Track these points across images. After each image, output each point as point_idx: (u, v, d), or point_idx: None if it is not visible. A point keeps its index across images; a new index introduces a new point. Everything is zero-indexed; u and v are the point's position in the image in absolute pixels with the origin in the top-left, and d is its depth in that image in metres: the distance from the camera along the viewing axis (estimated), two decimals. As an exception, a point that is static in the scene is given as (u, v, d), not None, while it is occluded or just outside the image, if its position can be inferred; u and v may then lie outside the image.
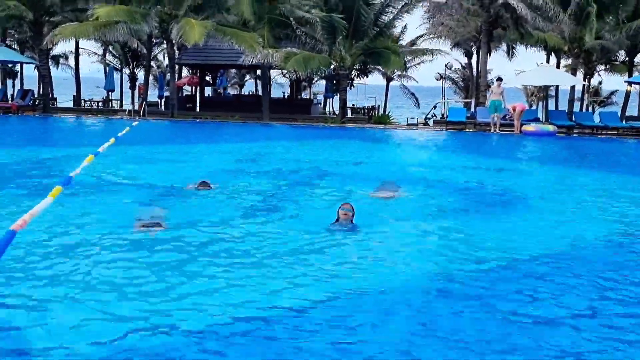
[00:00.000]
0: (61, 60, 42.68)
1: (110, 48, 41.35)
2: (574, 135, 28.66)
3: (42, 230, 8.60)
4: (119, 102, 39.58)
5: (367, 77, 36.95)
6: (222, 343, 5.34)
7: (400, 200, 12.02)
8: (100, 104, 37.09)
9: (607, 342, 5.65)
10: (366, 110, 37.50)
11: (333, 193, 13.14)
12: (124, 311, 6.01)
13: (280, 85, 49.88)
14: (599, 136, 28.57)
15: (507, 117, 28.26)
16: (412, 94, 42.74)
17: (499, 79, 27.55)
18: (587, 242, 9.46)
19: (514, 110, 27.00)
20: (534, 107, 39.49)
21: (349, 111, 35.19)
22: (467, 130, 29.66)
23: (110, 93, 37.43)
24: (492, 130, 27.26)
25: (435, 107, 34.66)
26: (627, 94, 32.05)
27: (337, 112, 34.11)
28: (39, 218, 8.32)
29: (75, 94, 37.13)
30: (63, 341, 5.32)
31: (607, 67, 34.75)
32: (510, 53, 37.33)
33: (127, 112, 33.36)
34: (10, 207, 10.55)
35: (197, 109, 35.53)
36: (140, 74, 39.38)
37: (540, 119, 29.91)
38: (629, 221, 11.19)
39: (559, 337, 5.68)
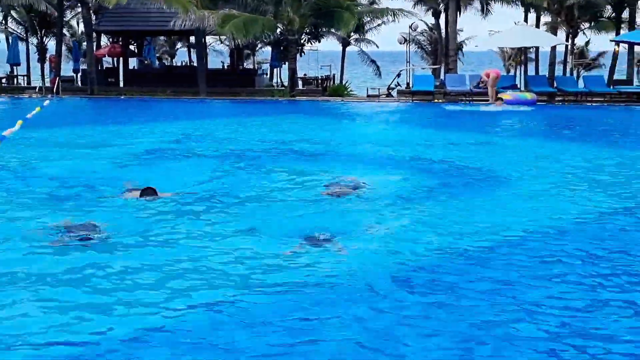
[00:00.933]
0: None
1: (13, 13, 40.54)
2: (556, 103, 29.28)
3: None
4: (26, 77, 39.00)
5: (320, 42, 36.93)
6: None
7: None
8: (3, 80, 36.55)
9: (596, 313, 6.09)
10: (320, 81, 37.68)
11: (282, 182, 13.43)
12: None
13: (219, 53, 49.67)
14: (584, 103, 29.23)
15: (480, 84, 28.77)
16: (373, 60, 42.91)
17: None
18: (572, 218, 10.09)
19: (488, 77, 27.50)
20: (511, 73, 40.06)
21: (299, 82, 35.36)
22: (436, 100, 30.12)
23: (15, 67, 36.94)
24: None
25: (399, 75, 35.01)
26: (615, 55, 32.84)
27: (285, 84, 34.29)
28: None
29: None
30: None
31: (592, 24, 35.39)
32: (484, 10, 37.76)
33: (36, 90, 33.10)
34: None
35: (121, 84, 35.27)
36: (51, 43, 38.80)
37: (518, 86, 30.56)
38: (616, 194, 11.80)
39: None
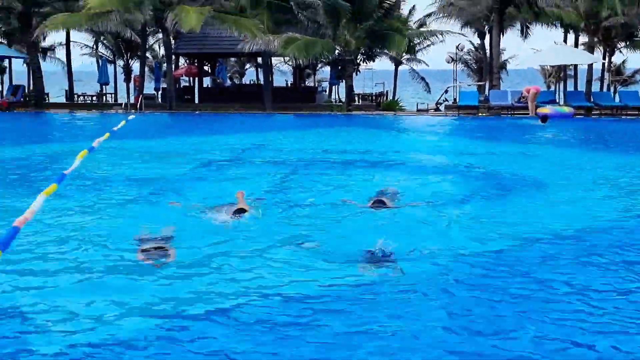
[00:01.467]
0: (49, 53, 42.83)
1: (103, 39, 41.60)
2: (593, 116, 28.80)
3: (34, 229, 9.02)
4: (113, 95, 39.98)
5: (374, 61, 36.95)
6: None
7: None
8: (94, 98, 37.46)
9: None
10: (374, 97, 37.73)
11: (339, 183, 13.55)
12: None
13: (283, 73, 50.12)
14: (620, 117, 28.68)
15: (520, 99, 28.50)
16: (422, 78, 42.85)
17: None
18: (607, 223, 9.87)
19: (528, 92, 27.21)
20: (552, 89, 39.49)
21: (356, 98, 35.46)
22: (481, 114, 29.90)
23: (104, 86, 37.78)
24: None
25: (446, 91, 34.84)
26: (649, 72, 32.28)
27: (343, 100, 34.39)
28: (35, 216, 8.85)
29: (67, 88, 37.51)
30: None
31: (628, 43, 34.72)
32: (524, 32, 37.39)
33: (122, 106, 33.80)
34: (8, 204, 10.99)
35: (196, 101, 35.84)
36: (135, 65, 39.72)
37: (557, 101, 30.14)
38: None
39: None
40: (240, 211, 9.50)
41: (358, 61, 34.61)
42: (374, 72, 42.21)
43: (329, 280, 7.01)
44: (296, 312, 6.11)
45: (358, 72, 35.93)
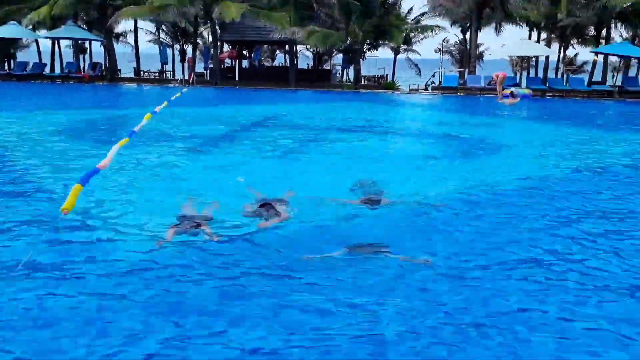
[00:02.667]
0: (121, 38, 42.93)
1: (163, 27, 41.58)
2: (547, 97, 28.70)
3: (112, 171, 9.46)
4: (171, 72, 40.12)
5: (377, 50, 36.77)
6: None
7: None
8: (156, 74, 37.65)
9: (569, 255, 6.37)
10: (377, 79, 37.66)
11: (347, 144, 13.89)
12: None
13: (306, 57, 49.93)
14: (568, 98, 28.56)
15: (490, 83, 28.45)
16: (416, 65, 42.53)
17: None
18: (550, 178, 10.05)
19: (497, 77, 27.14)
20: (517, 75, 39.17)
21: (362, 79, 35.45)
22: (459, 94, 29.90)
23: (164, 65, 37.93)
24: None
25: (433, 75, 34.78)
26: (594, 63, 31.94)
27: (352, 80, 34.43)
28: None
29: (135, 66, 37.71)
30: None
31: (579, 40, 34.35)
32: (497, 29, 36.93)
33: (178, 81, 33.99)
34: (91, 151, 11.44)
35: (237, 79, 35.95)
36: (189, 49, 39.76)
37: (519, 84, 30.03)
38: (583, 160, 11.86)
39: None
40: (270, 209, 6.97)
41: (364, 50, 34.52)
42: (377, 59, 41.95)
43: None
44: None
45: (364, 59, 35.82)
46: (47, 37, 34.01)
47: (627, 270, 5.59)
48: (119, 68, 36.01)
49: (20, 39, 36.31)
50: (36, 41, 36.41)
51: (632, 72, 33.56)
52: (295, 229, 6.69)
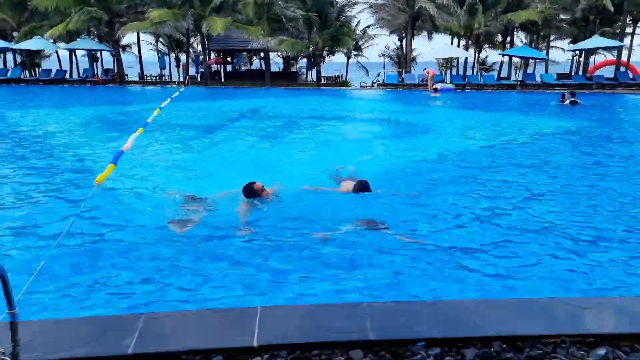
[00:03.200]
0: (127, 48, 41.81)
1: (161, 39, 40.64)
2: (466, 90, 29.36)
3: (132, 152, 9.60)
4: (169, 76, 39.38)
5: (334, 55, 36.86)
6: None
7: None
8: (157, 77, 36.97)
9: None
10: (334, 78, 37.74)
11: (313, 129, 14.17)
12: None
13: (277, 63, 49.47)
14: (482, 90, 29.27)
15: (422, 79, 28.93)
16: (364, 67, 42.75)
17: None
18: (468, 151, 10.64)
19: (428, 73, 27.65)
20: (442, 73, 39.73)
21: (323, 79, 35.51)
22: (399, 89, 30.32)
23: (162, 70, 37.25)
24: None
25: (378, 75, 35.01)
26: (501, 63, 32.71)
27: (315, 80, 34.50)
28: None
29: (139, 71, 36.93)
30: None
31: (490, 45, 35.04)
32: (429, 37, 37.30)
33: (176, 83, 33.53)
34: (114, 138, 11.48)
35: (222, 80, 35.63)
36: (182, 56, 39.06)
37: (444, 80, 30.61)
38: (493, 139, 12.43)
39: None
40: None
41: (324, 55, 34.52)
42: (334, 63, 41.97)
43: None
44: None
45: (324, 62, 35.81)
46: (65, 48, 33.01)
47: (514, 208, 6.12)
48: (125, 73, 35.20)
49: (43, 50, 35.14)
50: (56, 52, 35.28)
51: (530, 69, 34.53)
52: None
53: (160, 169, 8.53)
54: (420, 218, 5.79)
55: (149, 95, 27.07)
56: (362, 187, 6.18)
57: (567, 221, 5.63)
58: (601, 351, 2.62)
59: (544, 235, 5.19)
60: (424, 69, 28.09)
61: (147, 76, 37.01)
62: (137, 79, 36.33)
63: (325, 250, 4.59)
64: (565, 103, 20.19)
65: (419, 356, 2.67)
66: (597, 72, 32.35)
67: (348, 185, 6.51)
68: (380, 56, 39.66)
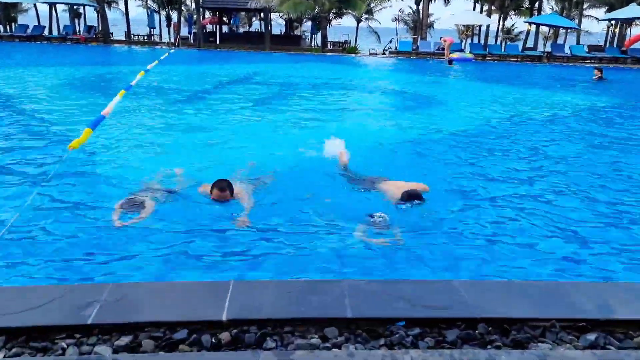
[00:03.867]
0: (113, 4, 41.50)
1: (151, -5, 40.38)
2: (487, 61, 29.14)
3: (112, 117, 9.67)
4: (159, 36, 39.22)
5: (342, 19, 36.67)
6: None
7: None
8: (145, 37, 36.80)
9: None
10: (341, 44, 37.47)
11: (316, 99, 14.16)
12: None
13: (279, 24, 49.20)
14: (504, 62, 29.03)
15: (439, 48, 28.70)
16: (375, 32, 42.47)
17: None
18: (488, 125, 10.72)
19: (445, 41, 27.42)
20: (461, 42, 39.39)
21: (328, 44, 35.27)
22: (412, 57, 30.11)
23: (151, 30, 37.07)
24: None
25: (390, 41, 34.74)
26: (528, 32, 32.40)
27: (319, 45, 34.24)
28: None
29: (126, 30, 36.72)
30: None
31: (516, 12, 34.65)
32: (446, 1, 36.99)
33: (166, 44, 33.38)
34: (96, 101, 11.54)
35: (217, 42, 35.43)
36: (174, 15, 38.81)
37: (463, 50, 30.36)
38: (514, 113, 12.44)
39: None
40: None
41: (330, 18, 34.26)
42: (342, 27, 41.69)
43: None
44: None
45: (330, 26, 35.59)
46: (45, 2, 32.77)
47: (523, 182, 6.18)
48: (110, 31, 35.01)
49: (20, 3, 34.94)
50: (35, 6, 35.02)
51: (559, 40, 34.17)
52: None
53: (140, 137, 8.58)
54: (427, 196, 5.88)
55: (136, 57, 26.99)
56: (412, 195, 5.21)
57: (570, 206, 5.69)
58: (591, 336, 2.69)
59: (546, 218, 5.27)
60: (441, 37, 27.83)
61: (134, 35, 36.86)
62: (123, 38, 36.18)
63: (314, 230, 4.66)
64: (594, 78, 20.13)
65: (397, 335, 2.75)
66: (635, 46, 31.93)
67: (393, 188, 5.49)
68: (393, 21, 39.36)
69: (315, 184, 6.05)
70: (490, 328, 2.82)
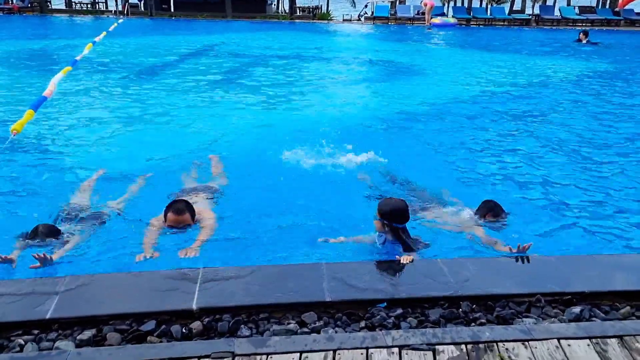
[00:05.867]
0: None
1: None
2: (472, 25, 29.38)
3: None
4: (104, 4, 38.29)
5: (311, -20, 36.36)
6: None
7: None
8: (89, 5, 35.89)
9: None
10: (311, 9, 37.25)
11: (284, 72, 14.19)
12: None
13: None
14: (490, 26, 29.33)
15: (419, 12, 28.83)
16: (349, -5, 42.31)
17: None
18: (468, 96, 10.93)
19: (425, 5, 27.53)
20: (444, 5, 39.58)
21: (297, 10, 35.03)
22: (390, 23, 30.19)
23: (96, -4, 36.18)
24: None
25: (366, 5, 34.69)
26: (515, -8, 32.73)
27: (287, 11, 34.01)
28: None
29: (67, -4, 35.80)
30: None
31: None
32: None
33: (113, 12, 32.68)
34: (35, 83, 11.36)
35: (172, 9, 34.79)
36: (121, -21, 37.90)
37: (445, 14, 30.54)
38: (495, 82, 12.69)
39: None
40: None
41: (299, -20, 33.95)
42: (312, -10, 41.41)
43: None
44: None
45: (298, -11, 35.31)
46: (-31, -34, 31.69)
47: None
48: (48, -1, 34.12)
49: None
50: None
51: (549, 2, 34.60)
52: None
53: (86, 122, 8.52)
54: (405, 168, 6.07)
55: (78, 28, 26.39)
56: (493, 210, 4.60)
57: (557, 175, 6.00)
58: (576, 309, 2.90)
59: (530, 190, 5.54)
60: (421, 1, 27.95)
61: (75, 3, 35.90)
62: (62, 7, 35.27)
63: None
64: (584, 42, 20.58)
65: (378, 317, 2.92)
66: (629, 6, 32.61)
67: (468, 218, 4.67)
68: (369, -17, 39.08)
69: (284, 169, 6.16)
70: (474, 306, 3.01)
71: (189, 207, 4.46)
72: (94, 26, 25.84)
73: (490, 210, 4.54)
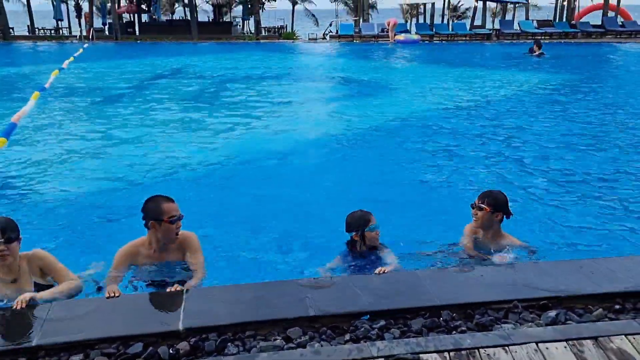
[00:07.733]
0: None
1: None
2: (434, 42, 30.02)
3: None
4: (67, 29, 38.00)
5: (275, 1, 36.81)
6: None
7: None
8: (52, 31, 35.58)
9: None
10: (277, 29, 37.60)
11: (251, 93, 14.26)
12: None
13: (205, 11, 48.67)
14: (453, 42, 29.99)
15: (383, 30, 29.34)
16: (313, 15, 42.89)
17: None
18: (430, 111, 11.19)
19: (389, 24, 28.05)
20: (407, 22, 40.38)
21: (263, 30, 35.31)
22: (355, 41, 30.63)
23: (59, 22, 35.87)
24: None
25: (330, 24, 35.20)
26: (475, 8, 33.56)
27: (253, 32, 34.26)
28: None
29: (29, 23, 35.39)
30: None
31: (461, -12, 35.95)
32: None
33: (77, 37, 32.43)
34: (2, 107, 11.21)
35: (137, 33, 34.72)
36: (84, 4, 37.76)
37: (408, 30, 31.15)
38: (460, 97, 12.99)
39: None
40: None
41: (263, 1, 34.29)
42: (276, 11, 41.84)
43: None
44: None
45: (263, 10, 35.64)
46: None
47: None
48: (10, 26, 33.64)
49: None
50: None
51: (508, 16, 35.64)
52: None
53: (54, 149, 8.39)
54: (375, 188, 6.14)
55: (43, 55, 26.15)
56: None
57: (527, 182, 6.19)
58: (552, 313, 3.01)
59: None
60: (387, 21, 28.51)
61: (39, 30, 35.60)
62: (26, 33, 34.89)
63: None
64: (533, 55, 21.20)
65: (362, 329, 2.97)
66: (584, 19, 33.80)
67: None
68: (332, 2, 39.80)
69: (259, 186, 6.22)
70: (454, 314, 3.10)
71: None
72: (60, 52, 25.60)
73: None
